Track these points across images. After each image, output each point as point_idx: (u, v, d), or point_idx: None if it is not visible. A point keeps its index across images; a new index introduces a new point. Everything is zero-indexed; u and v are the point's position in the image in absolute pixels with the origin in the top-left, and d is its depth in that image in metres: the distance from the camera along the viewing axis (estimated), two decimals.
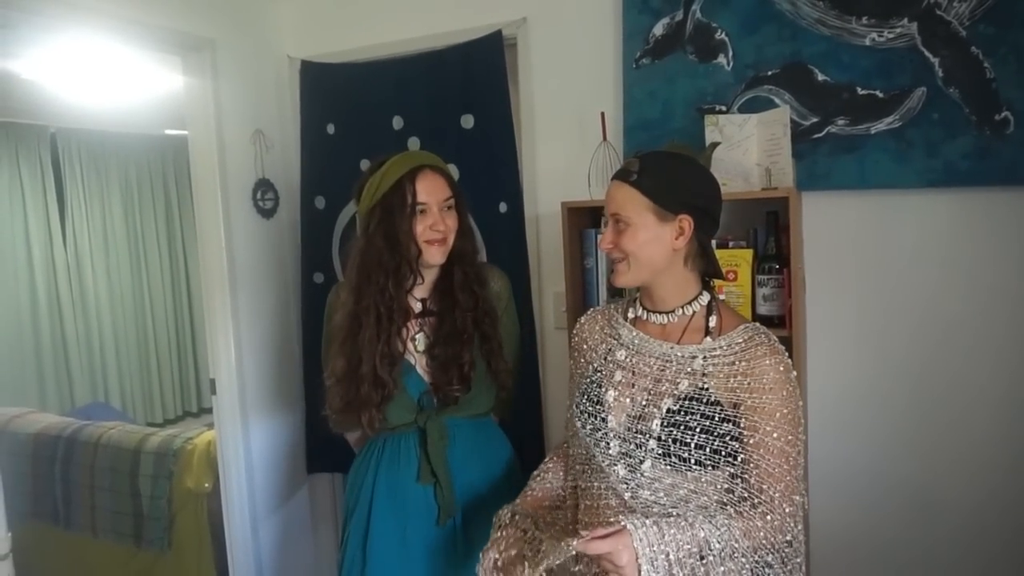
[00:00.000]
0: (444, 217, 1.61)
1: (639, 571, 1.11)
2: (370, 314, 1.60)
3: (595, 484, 1.34)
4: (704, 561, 1.16)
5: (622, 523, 1.14)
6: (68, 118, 4.47)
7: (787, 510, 1.21)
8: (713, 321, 1.31)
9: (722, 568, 1.17)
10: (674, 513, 1.22)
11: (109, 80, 3.46)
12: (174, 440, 2.95)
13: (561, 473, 1.49)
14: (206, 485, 2.82)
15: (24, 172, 4.57)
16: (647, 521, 1.15)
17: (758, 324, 1.33)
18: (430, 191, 1.60)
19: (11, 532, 1.72)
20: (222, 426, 2.56)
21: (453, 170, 2.08)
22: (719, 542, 1.15)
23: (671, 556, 1.13)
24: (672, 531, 1.14)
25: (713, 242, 1.90)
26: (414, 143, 2.45)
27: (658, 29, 2.14)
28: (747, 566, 1.19)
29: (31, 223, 4.61)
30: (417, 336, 1.67)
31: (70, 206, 4.83)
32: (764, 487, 1.20)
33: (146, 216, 5.29)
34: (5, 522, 1.63)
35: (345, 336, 1.63)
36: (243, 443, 2.58)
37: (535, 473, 1.52)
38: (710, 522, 1.17)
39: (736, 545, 1.17)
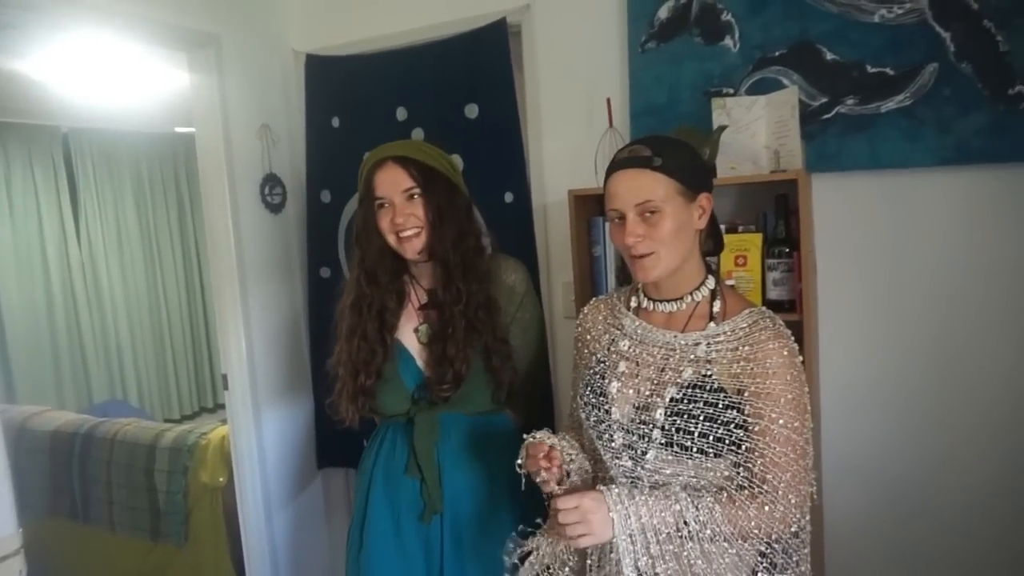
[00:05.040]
0: (406, 208, 1.57)
1: (611, 526, 1.15)
2: (349, 307, 1.62)
3: (599, 475, 1.34)
4: (681, 535, 1.16)
5: (599, 488, 1.19)
6: (80, 118, 4.50)
7: (792, 500, 1.18)
8: (717, 306, 1.29)
9: (700, 548, 1.17)
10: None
11: (118, 79, 3.48)
12: (189, 435, 2.98)
13: (577, 443, 1.45)
14: (221, 479, 2.84)
15: (37, 172, 4.61)
16: (622, 487, 1.19)
17: (764, 308, 1.30)
18: (386, 184, 1.57)
19: (31, 527, 1.74)
20: (235, 421, 2.58)
21: (456, 160, 2.06)
22: (695, 522, 1.15)
23: (644, 520, 1.14)
24: (644, 497, 1.16)
25: (721, 226, 1.91)
26: (418, 134, 2.44)
27: (663, 12, 2.11)
28: (732, 552, 1.18)
29: (45, 222, 4.64)
30: (421, 327, 1.66)
31: (83, 205, 4.86)
32: (768, 476, 1.18)
33: (159, 213, 5.32)
34: (16, 518, 1.64)
35: (339, 326, 1.66)
36: (256, 437, 2.59)
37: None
38: (691, 500, 1.16)
39: (717, 528, 1.15)
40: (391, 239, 1.59)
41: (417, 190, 1.58)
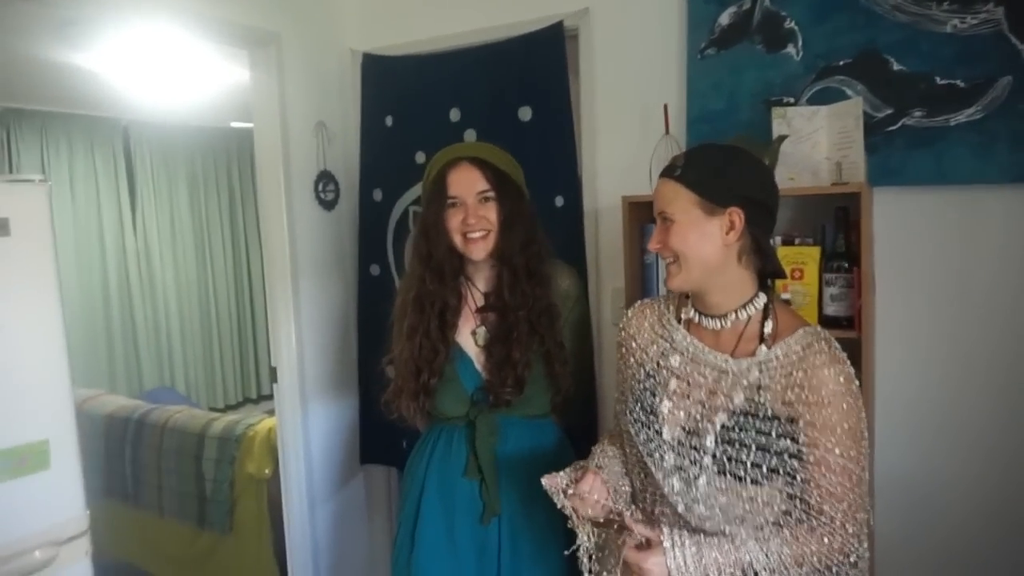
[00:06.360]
0: (479, 210, 1.57)
1: None
2: (411, 304, 1.62)
3: (649, 490, 1.32)
4: None
5: (662, 538, 1.14)
6: (139, 111, 4.63)
7: (850, 530, 1.16)
8: (769, 327, 1.23)
9: None
10: (726, 531, 1.18)
11: (178, 75, 3.56)
12: (236, 426, 3.04)
13: (621, 460, 1.41)
14: (266, 471, 2.89)
15: (99, 163, 4.76)
16: (688, 540, 1.14)
17: (818, 328, 1.24)
18: (462, 184, 1.57)
19: (89, 509, 1.80)
20: (283, 413, 2.62)
21: None
22: (766, 570, 1.12)
23: None
24: (714, 553, 1.13)
25: (777, 239, 1.87)
26: (470, 135, 2.45)
27: (724, 18, 2.08)
28: None
29: (104, 211, 4.79)
30: (479, 330, 1.66)
31: (140, 196, 5.01)
32: (825, 507, 1.15)
33: (211, 207, 5.45)
34: (84, 499, 1.69)
35: (396, 324, 1.67)
36: (302, 431, 2.63)
37: (598, 448, 1.44)
38: (760, 547, 1.13)
39: (786, 573, 1.13)
40: (457, 239, 1.59)
41: (491, 193, 1.58)
